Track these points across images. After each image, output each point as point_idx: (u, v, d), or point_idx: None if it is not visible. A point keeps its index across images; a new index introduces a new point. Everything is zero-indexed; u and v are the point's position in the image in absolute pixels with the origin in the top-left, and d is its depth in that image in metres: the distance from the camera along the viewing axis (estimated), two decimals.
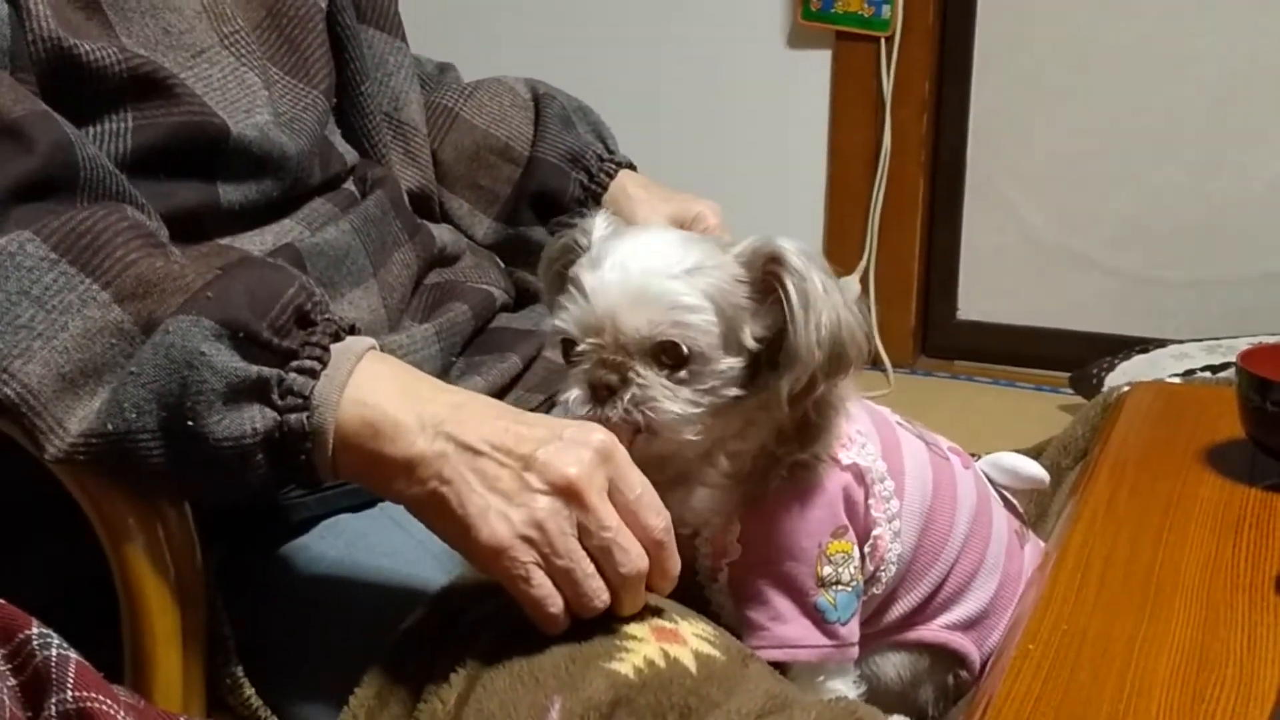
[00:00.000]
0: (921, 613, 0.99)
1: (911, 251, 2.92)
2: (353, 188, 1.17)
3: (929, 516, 0.98)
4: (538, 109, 1.35)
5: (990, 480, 1.08)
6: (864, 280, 2.92)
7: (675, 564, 0.85)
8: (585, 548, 0.81)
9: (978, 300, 2.98)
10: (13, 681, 0.64)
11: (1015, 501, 1.11)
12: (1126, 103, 2.77)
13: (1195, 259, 2.78)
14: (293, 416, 0.82)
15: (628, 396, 0.86)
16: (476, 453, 0.81)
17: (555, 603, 0.81)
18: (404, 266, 1.15)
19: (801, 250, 0.87)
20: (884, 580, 0.96)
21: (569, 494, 0.80)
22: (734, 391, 0.88)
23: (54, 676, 0.63)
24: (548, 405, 1.06)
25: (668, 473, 0.85)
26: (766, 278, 0.88)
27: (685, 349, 0.86)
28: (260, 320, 0.82)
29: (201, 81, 1.02)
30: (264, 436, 0.82)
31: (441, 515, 0.82)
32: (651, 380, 0.86)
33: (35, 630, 0.65)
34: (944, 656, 1.01)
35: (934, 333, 3.01)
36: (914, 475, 0.97)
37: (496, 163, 1.32)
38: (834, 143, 2.91)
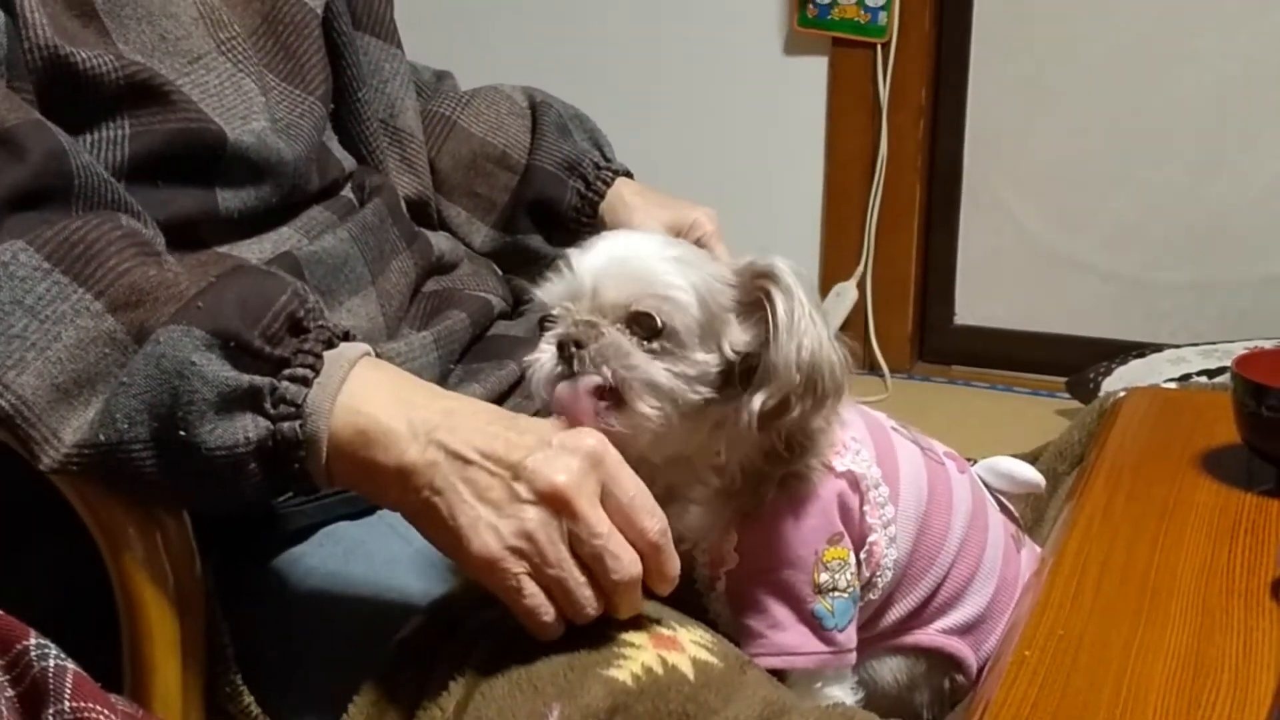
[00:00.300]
0: (918, 617, 1.00)
1: (909, 256, 2.93)
2: (351, 195, 1.18)
3: (924, 521, 0.98)
4: (535, 117, 1.35)
5: (986, 485, 1.08)
6: (861, 285, 2.92)
7: (673, 566, 0.84)
8: (577, 555, 0.81)
9: (975, 305, 2.98)
10: (11, 692, 0.64)
11: (1011, 506, 1.11)
12: (1123, 107, 2.78)
13: (1192, 263, 2.78)
14: (285, 425, 0.82)
15: (594, 348, 0.85)
16: (467, 461, 0.81)
17: (548, 612, 0.81)
18: (402, 274, 1.15)
19: (795, 271, 0.87)
20: (880, 586, 0.96)
21: (558, 503, 0.80)
22: (705, 391, 0.87)
23: (52, 687, 0.64)
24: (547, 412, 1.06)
25: (657, 488, 0.85)
26: (756, 293, 0.87)
27: (660, 322, 0.85)
28: (251, 329, 0.82)
29: (198, 88, 1.02)
30: (257, 445, 0.82)
31: (434, 525, 0.82)
32: (619, 337, 0.85)
33: (33, 641, 0.65)
34: (940, 661, 1.01)
35: (931, 337, 3.01)
36: (909, 481, 0.97)
37: (494, 171, 1.33)
38: (831, 149, 2.91)
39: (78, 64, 0.94)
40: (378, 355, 0.88)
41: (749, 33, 2.90)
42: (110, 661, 0.87)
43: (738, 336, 0.88)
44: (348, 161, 1.20)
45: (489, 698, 0.80)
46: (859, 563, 0.94)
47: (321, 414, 0.82)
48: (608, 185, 1.32)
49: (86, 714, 0.63)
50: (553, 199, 1.31)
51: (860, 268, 2.92)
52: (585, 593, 0.81)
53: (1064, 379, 2.64)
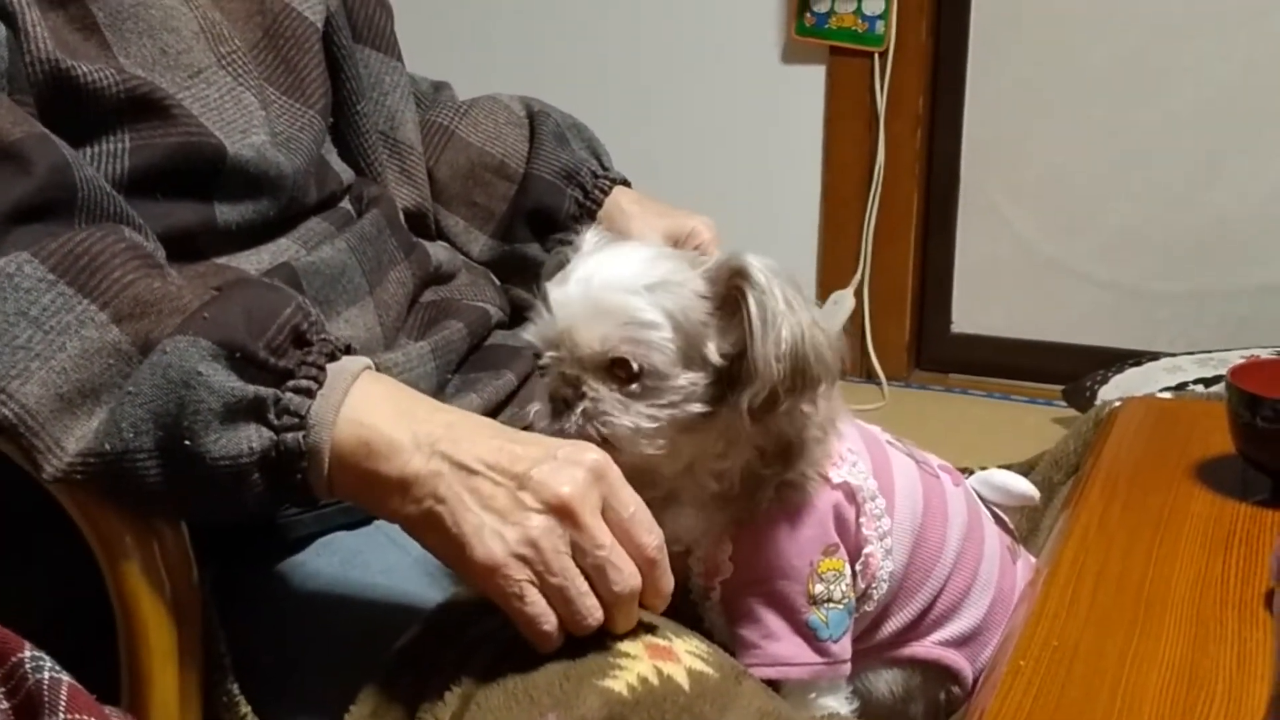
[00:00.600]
0: (915, 629, 1.00)
1: (906, 265, 2.93)
2: (349, 206, 1.18)
3: (920, 534, 0.98)
4: (533, 126, 1.36)
5: (981, 497, 1.08)
6: (858, 293, 2.93)
7: (668, 582, 0.85)
8: (579, 566, 0.81)
9: (972, 313, 2.99)
10: (5, 705, 0.64)
11: (1006, 518, 1.11)
12: (1119, 116, 2.78)
13: (1189, 271, 2.79)
14: (289, 436, 0.82)
15: (580, 410, 0.88)
16: (471, 472, 0.82)
17: (549, 621, 0.81)
18: (400, 285, 1.15)
19: (767, 266, 0.87)
20: (876, 598, 0.96)
21: (563, 513, 0.81)
22: (697, 407, 0.88)
23: (46, 699, 0.64)
24: None
25: (655, 491, 0.86)
26: (731, 292, 0.88)
27: (636, 365, 0.87)
28: (257, 340, 0.83)
29: (199, 102, 1.02)
30: (260, 456, 0.82)
31: (436, 534, 0.83)
32: (604, 395, 0.87)
33: (28, 653, 0.66)
34: (937, 672, 1.01)
35: (928, 346, 3.02)
36: (905, 493, 0.98)
37: (492, 180, 1.33)
38: (828, 157, 2.92)
39: (79, 77, 0.94)
40: (375, 365, 0.88)
41: (747, 41, 2.91)
42: (107, 671, 0.88)
43: (722, 343, 0.88)
44: (346, 174, 1.21)
45: (485, 707, 0.80)
46: (854, 574, 0.95)
47: (325, 425, 0.82)
48: (606, 194, 1.32)
49: None
50: (551, 208, 1.32)
51: (858, 276, 2.93)
52: (587, 602, 0.81)
53: (1061, 387, 2.65)
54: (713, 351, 0.88)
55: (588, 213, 1.32)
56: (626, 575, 0.82)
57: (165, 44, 1.02)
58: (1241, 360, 1.19)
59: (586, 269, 0.90)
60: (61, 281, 0.84)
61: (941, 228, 2.95)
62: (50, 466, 0.83)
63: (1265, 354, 2.23)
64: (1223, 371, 2.28)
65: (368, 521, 1.00)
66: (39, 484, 0.86)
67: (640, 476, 0.87)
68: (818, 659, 0.93)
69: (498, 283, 1.31)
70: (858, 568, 0.95)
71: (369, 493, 0.84)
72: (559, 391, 0.89)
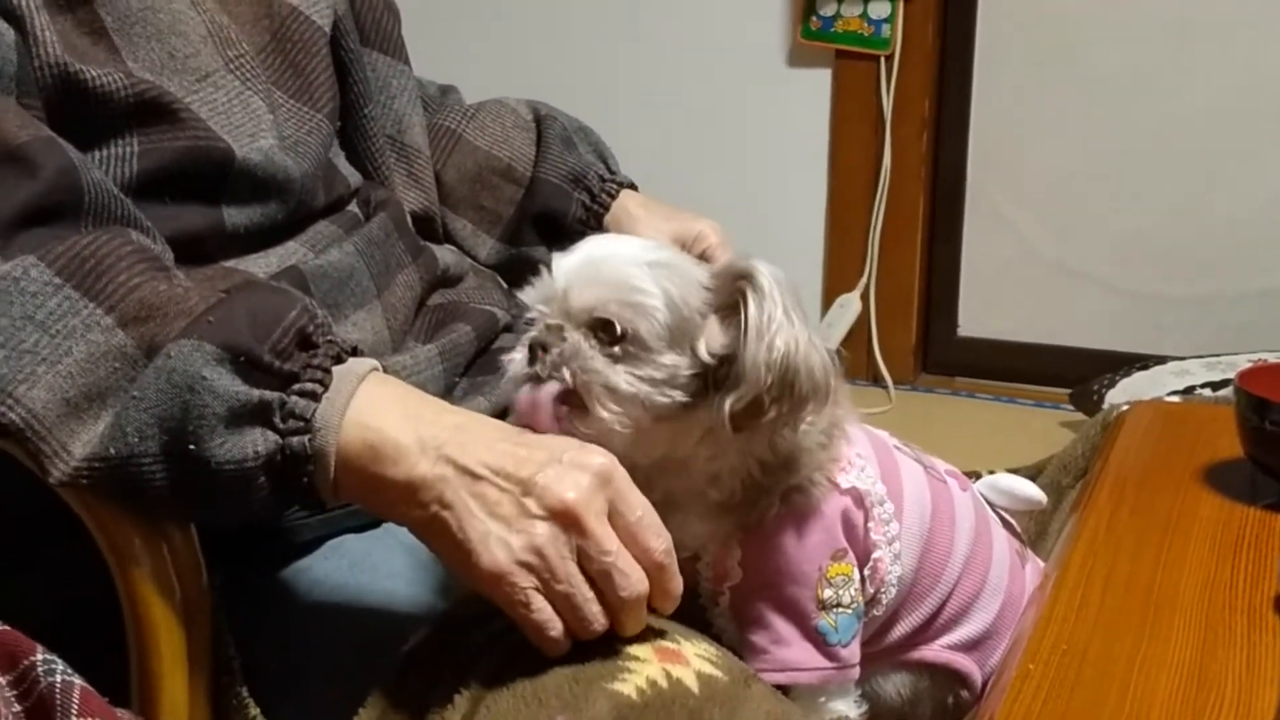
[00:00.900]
0: (923, 633, 1.00)
1: (912, 268, 2.93)
2: (356, 210, 1.18)
3: (929, 539, 0.98)
4: (539, 130, 1.36)
5: (988, 502, 1.08)
6: (865, 297, 2.93)
7: (677, 585, 0.85)
8: (585, 572, 0.81)
9: (978, 317, 2.98)
10: (17, 708, 0.64)
11: (1014, 522, 1.11)
12: (1125, 120, 2.78)
13: (1194, 275, 2.78)
14: (294, 439, 0.82)
15: (555, 351, 0.87)
16: (476, 477, 0.82)
17: (555, 627, 0.81)
18: (407, 288, 1.15)
19: (773, 274, 0.87)
20: (885, 602, 0.96)
21: (567, 519, 0.81)
22: (677, 394, 0.87)
23: (58, 702, 0.64)
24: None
25: (655, 494, 0.85)
26: (734, 294, 0.88)
27: (620, 329, 0.86)
28: (261, 344, 0.83)
29: (206, 106, 1.02)
30: (266, 459, 0.82)
31: (442, 539, 0.82)
32: (580, 344, 0.87)
33: (40, 656, 0.66)
34: (945, 676, 1.01)
35: (935, 349, 3.01)
36: (913, 498, 0.98)
37: (499, 184, 1.33)
38: (834, 161, 2.92)
39: (87, 81, 0.94)
40: (383, 368, 0.88)
41: (752, 45, 2.91)
42: (116, 675, 0.88)
43: (716, 339, 0.88)
44: (354, 177, 1.21)
45: (494, 711, 0.80)
46: (863, 579, 0.95)
47: (330, 429, 0.82)
48: (612, 197, 1.32)
49: None
50: (558, 211, 1.32)
51: (864, 279, 2.92)
52: (593, 608, 0.81)
53: (1068, 391, 2.64)
54: (703, 346, 0.87)
55: (594, 216, 1.32)
56: (633, 580, 0.82)
57: (173, 48, 1.03)
58: (1249, 364, 1.19)
59: (594, 244, 0.91)
60: (68, 285, 0.84)
61: (948, 231, 2.95)
62: (57, 471, 0.83)
63: (1273, 358, 2.22)
64: (1230, 375, 2.29)
65: (375, 525, 1.00)
66: (44, 489, 0.86)
67: (640, 480, 0.86)
68: (827, 664, 0.93)
69: (505, 286, 1.31)
70: (866, 572, 0.95)
71: (375, 496, 0.84)
72: (540, 338, 0.88)
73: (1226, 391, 1.94)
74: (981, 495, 1.08)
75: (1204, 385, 2.39)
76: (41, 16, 0.94)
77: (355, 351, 0.88)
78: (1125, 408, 1.36)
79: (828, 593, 0.92)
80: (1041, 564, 1.09)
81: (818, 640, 0.92)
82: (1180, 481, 1.17)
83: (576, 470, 0.82)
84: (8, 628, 0.67)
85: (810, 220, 2.96)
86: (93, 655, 0.70)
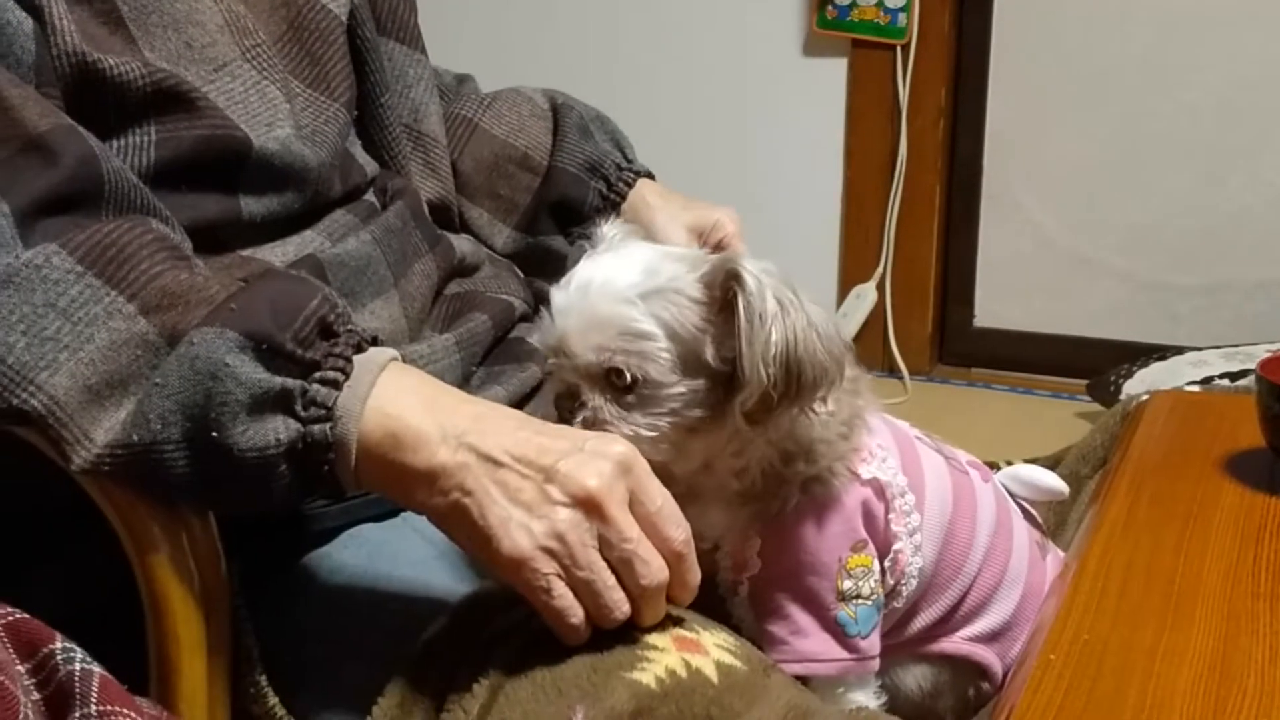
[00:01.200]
0: (944, 625, 1.00)
1: (928, 259, 2.92)
2: (373, 199, 1.18)
3: (950, 530, 0.98)
4: (556, 119, 1.36)
5: (1009, 493, 1.08)
6: (880, 287, 2.92)
7: (695, 575, 0.85)
8: (606, 559, 0.81)
9: (994, 307, 2.98)
10: (37, 696, 0.64)
11: (1035, 513, 1.10)
12: (1141, 109, 2.77)
13: (1209, 264, 2.77)
14: (316, 427, 0.82)
15: (579, 420, 0.88)
16: (498, 464, 0.82)
17: (576, 614, 0.81)
18: (424, 277, 1.15)
19: (760, 269, 0.86)
20: (905, 594, 0.96)
21: (590, 506, 0.81)
22: (699, 413, 0.88)
23: (78, 690, 0.64)
24: None
25: (676, 488, 0.85)
26: (727, 296, 0.87)
27: (630, 376, 0.87)
28: (283, 332, 0.83)
29: (223, 95, 1.02)
30: (287, 447, 0.82)
31: (463, 526, 0.83)
32: (601, 405, 0.88)
33: (59, 644, 0.66)
34: (966, 668, 1.01)
35: (951, 340, 3.01)
36: (934, 489, 0.97)
37: (515, 172, 1.33)
38: (850, 150, 2.91)
39: (105, 70, 0.94)
40: (401, 357, 0.88)
41: (768, 34, 2.90)
42: (132, 671, 0.88)
43: (720, 347, 0.88)
44: (370, 166, 1.21)
45: (513, 699, 0.81)
46: (883, 570, 0.94)
47: (351, 416, 0.82)
48: (629, 186, 1.32)
49: (113, 717, 0.64)
50: (574, 200, 1.31)
51: (879, 270, 2.92)
52: (614, 595, 0.81)
53: (1084, 381, 2.64)
54: (712, 357, 0.88)
55: (611, 205, 1.31)
56: (654, 569, 0.82)
57: (190, 37, 1.03)
58: (1268, 354, 1.18)
59: (586, 274, 0.90)
60: (89, 273, 0.84)
61: (964, 221, 2.94)
62: (78, 458, 0.84)
63: None
64: (1248, 366, 2.28)
65: (394, 514, 1.00)
66: (60, 483, 0.86)
67: (658, 474, 0.87)
68: (846, 655, 0.93)
69: (521, 275, 1.31)
70: (886, 564, 0.94)
71: (396, 484, 0.84)
72: (561, 400, 0.90)
73: (1245, 382, 1.93)
74: (1003, 486, 1.07)
75: (1222, 376, 2.38)
76: (59, 6, 0.94)
77: (375, 340, 0.88)
78: (1145, 397, 1.35)
79: (847, 584, 0.92)
80: (1061, 554, 1.09)
81: (837, 631, 0.92)
82: (1201, 471, 1.16)
83: (598, 458, 0.82)
84: (27, 616, 0.67)
85: (825, 210, 2.95)
86: (110, 650, 0.70)
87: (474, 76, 1.43)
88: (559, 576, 0.81)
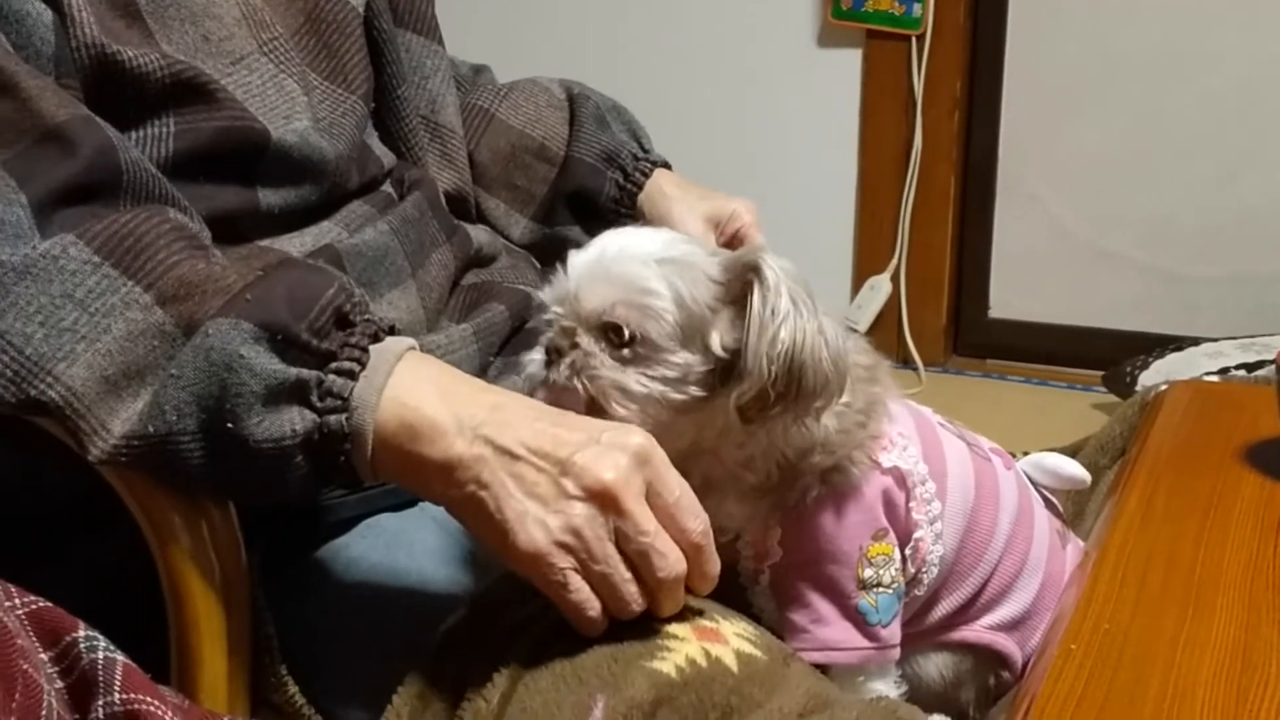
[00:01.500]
0: (964, 614, 0.99)
1: (943, 250, 2.91)
2: (390, 190, 1.18)
3: (971, 518, 0.98)
4: (573, 109, 1.35)
5: (1031, 481, 1.07)
6: (895, 279, 2.92)
7: (714, 566, 0.85)
8: (623, 552, 0.81)
9: (1009, 298, 2.97)
10: (60, 684, 0.64)
11: (1056, 502, 1.10)
12: (1156, 100, 2.76)
13: (1226, 255, 2.76)
14: (332, 418, 0.82)
15: (569, 360, 0.88)
16: (514, 457, 0.81)
17: (593, 607, 0.81)
18: (441, 267, 1.15)
19: (781, 267, 0.86)
20: (926, 582, 0.95)
21: (605, 499, 0.80)
22: (693, 390, 0.88)
23: (101, 678, 0.64)
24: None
25: (693, 479, 0.85)
26: (743, 287, 0.87)
27: (629, 331, 0.87)
28: (299, 322, 0.83)
29: (241, 88, 1.02)
30: (303, 438, 0.82)
31: (479, 518, 0.82)
32: (593, 350, 0.88)
33: (82, 633, 0.66)
34: (987, 657, 1.01)
35: (966, 331, 3.00)
36: (956, 477, 0.97)
37: (532, 163, 1.33)
38: (865, 141, 2.90)
39: (124, 62, 0.94)
40: (419, 347, 0.88)
41: (783, 25, 2.90)
42: (155, 661, 0.88)
43: (728, 332, 0.88)
44: (387, 158, 1.21)
45: (533, 689, 0.80)
46: (904, 559, 0.94)
47: (367, 407, 0.82)
48: (646, 176, 1.32)
49: (137, 705, 0.64)
50: (591, 190, 1.31)
51: (894, 261, 2.91)
52: (631, 589, 0.81)
53: (1100, 373, 2.63)
54: (716, 340, 0.87)
55: (628, 195, 1.31)
56: (671, 561, 0.82)
57: (207, 31, 1.03)
58: None
59: (606, 240, 0.91)
60: (107, 263, 0.84)
61: (979, 212, 2.94)
62: (96, 449, 0.84)
63: None
64: (1265, 356, 2.27)
65: (412, 504, 1.00)
66: (81, 478, 0.86)
67: (677, 466, 0.86)
68: (867, 644, 0.92)
69: (538, 266, 1.31)
70: (907, 552, 0.94)
71: (412, 475, 0.84)
72: (555, 343, 0.89)
73: (1262, 372, 1.93)
74: (1025, 474, 1.07)
75: (1238, 366, 2.37)
76: None
77: (392, 330, 0.88)
78: (1164, 387, 1.34)
79: (868, 572, 0.92)
80: (1081, 544, 1.09)
81: (858, 620, 0.92)
82: (1220, 461, 1.15)
83: (615, 450, 0.81)
84: (50, 604, 0.67)
85: (840, 202, 2.94)
86: (129, 644, 0.70)
87: (490, 67, 1.43)
88: (575, 570, 0.81)
